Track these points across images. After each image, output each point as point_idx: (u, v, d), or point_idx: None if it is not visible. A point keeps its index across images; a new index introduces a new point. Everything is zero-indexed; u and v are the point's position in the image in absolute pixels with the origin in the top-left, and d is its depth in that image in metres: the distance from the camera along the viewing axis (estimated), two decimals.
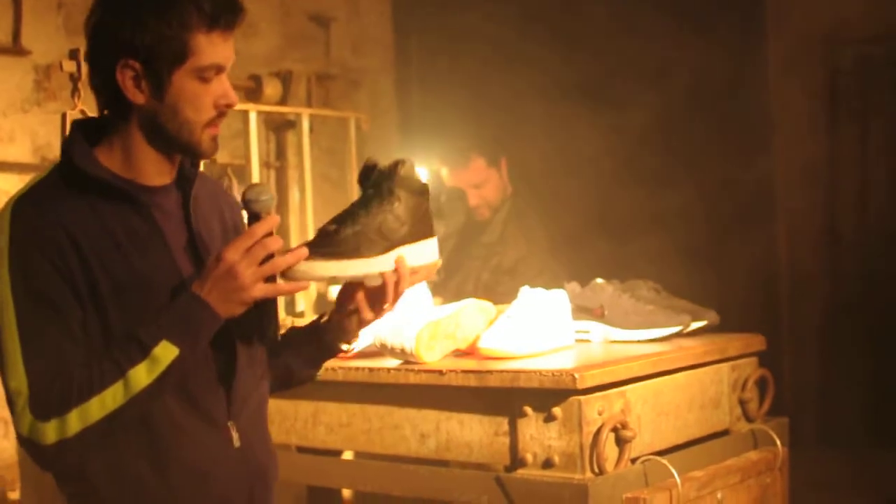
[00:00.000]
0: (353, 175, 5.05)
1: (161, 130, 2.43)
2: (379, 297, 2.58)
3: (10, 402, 2.30)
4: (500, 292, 3.92)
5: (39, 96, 4.95)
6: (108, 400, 2.28)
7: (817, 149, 5.45)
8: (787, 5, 5.47)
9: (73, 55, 4.11)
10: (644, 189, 5.35)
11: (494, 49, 5.78)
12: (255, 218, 2.42)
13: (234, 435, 2.54)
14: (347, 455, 3.78)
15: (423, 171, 5.14)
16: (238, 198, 4.41)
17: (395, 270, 2.54)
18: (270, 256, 2.36)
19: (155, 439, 2.41)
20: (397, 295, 2.58)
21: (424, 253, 2.60)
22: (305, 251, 2.45)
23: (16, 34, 4.89)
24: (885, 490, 4.71)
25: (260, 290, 2.35)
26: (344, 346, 2.75)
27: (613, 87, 5.51)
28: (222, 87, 2.45)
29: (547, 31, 5.63)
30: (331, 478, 3.72)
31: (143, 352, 2.29)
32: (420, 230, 2.60)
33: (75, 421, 2.27)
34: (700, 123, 5.47)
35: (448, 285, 4.78)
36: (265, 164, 4.99)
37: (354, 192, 5.04)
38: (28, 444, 2.30)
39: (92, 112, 3.85)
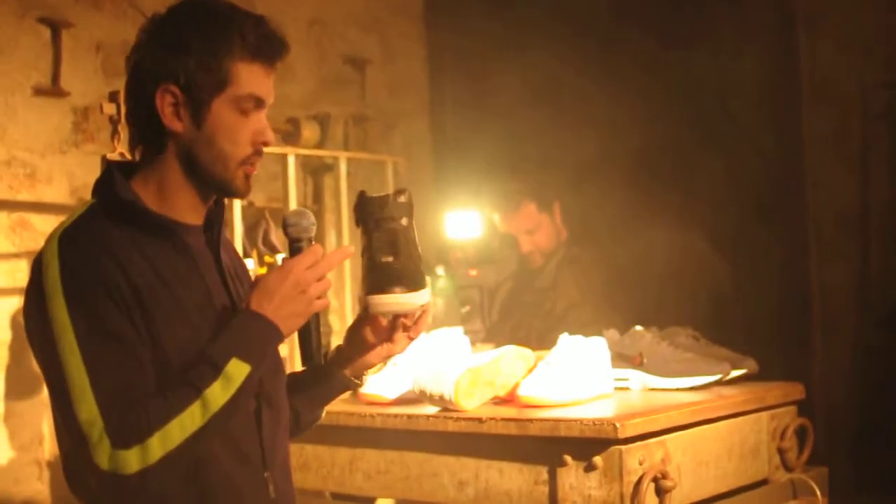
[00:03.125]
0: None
1: (196, 162, 2.44)
2: (407, 328, 2.67)
3: (83, 436, 2.22)
4: (552, 339, 3.90)
5: (77, 138, 4.97)
6: (188, 422, 2.25)
7: (850, 194, 5.42)
8: (818, 48, 5.45)
9: (112, 98, 4.12)
10: (670, 234, 5.34)
11: (530, 92, 5.78)
12: (293, 241, 2.51)
13: (271, 486, 2.54)
14: (382, 502, 3.76)
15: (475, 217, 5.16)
16: (274, 240, 4.46)
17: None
18: None
19: (205, 488, 2.39)
20: (420, 328, 2.70)
21: None
22: (352, 249, 2.58)
23: (55, 76, 4.92)
24: None
25: (319, 304, 2.44)
26: (360, 381, 2.78)
27: (648, 129, 5.50)
28: (261, 123, 2.48)
29: (583, 74, 5.63)
30: None
31: (215, 371, 2.29)
32: None
33: (157, 446, 2.22)
34: (730, 170, 5.45)
35: (502, 330, 4.76)
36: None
37: None
38: (109, 478, 2.22)
39: (131, 155, 3.88)
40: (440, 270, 4.96)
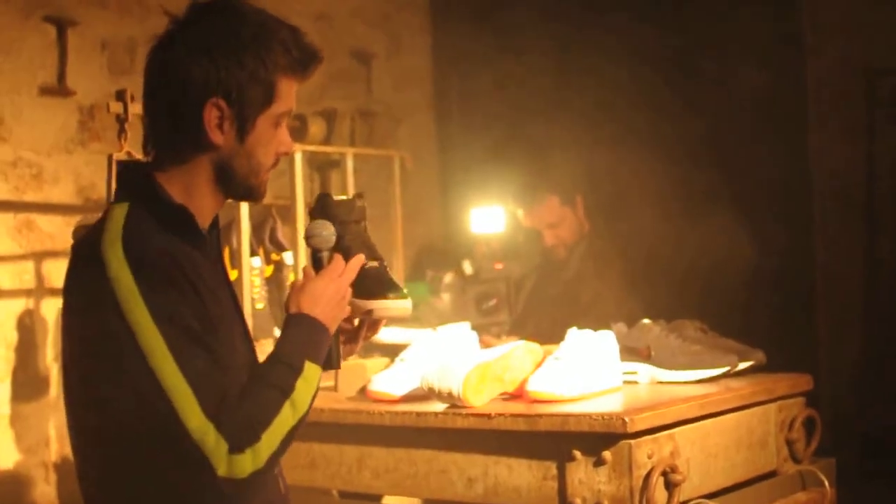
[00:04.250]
0: (397, 214, 5.05)
1: (231, 173, 2.45)
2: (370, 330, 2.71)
3: (194, 443, 2.20)
4: None
5: (83, 136, 4.96)
6: (284, 423, 2.29)
7: (856, 184, 5.42)
8: (825, 37, 5.45)
9: (119, 96, 4.11)
10: (675, 229, 5.35)
11: (536, 86, 5.78)
12: (314, 252, 2.56)
13: (280, 482, 2.57)
14: (389, 500, 3.76)
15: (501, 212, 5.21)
16: (281, 238, 4.46)
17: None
18: None
19: None
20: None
21: None
22: (363, 257, 2.58)
23: (60, 75, 4.91)
24: None
25: (348, 310, 2.53)
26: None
27: (655, 121, 5.49)
28: (285, 134, 2.50)
29: (591, 67, 5.63)
30: None
31: (294, 373, 2.34)
32: None
33: (266, 448, 2.25)
34: (736, 155, 5.45)
35: (527, 324, 4.78)
36: (309, 204, 4.98)
37: (396, 231, 5.03)
38: (226, 484, 2.21)
39: (138, 153, 3.87)
40: (467, 265, 5.01)
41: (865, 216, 5.39)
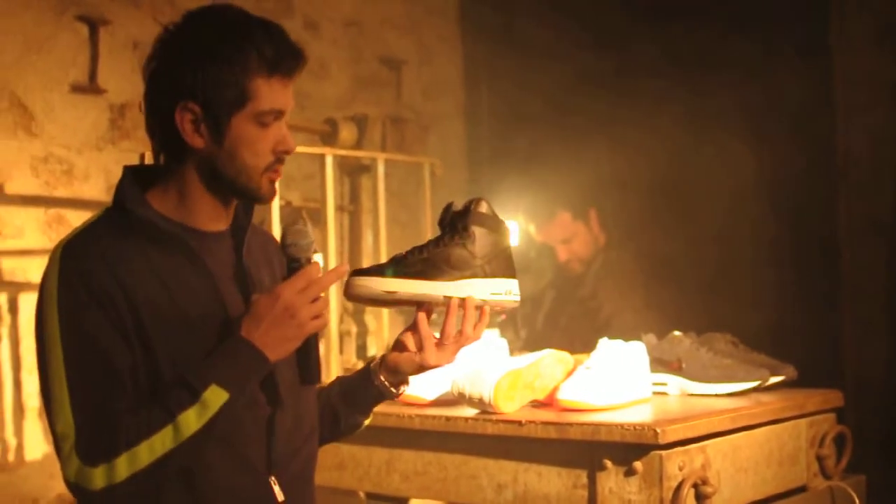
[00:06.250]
0: (426, 219, 5.03)
1: (219, 175, 2.43)
2: (444, 336, 2.62)
3: (57, 447, 2.29)
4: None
5: (114, 135, 4.98)
6: (157, 445, 2.26)
7: (883, 203, 5.40)
8: (853, 56, 5.43)
9: None
10: (700, 245, 5.34)
11: (565, 95, 5.77)
12: (292, 261, 2.45)
13: (276, 489, 2.51)
14: (416, 503, 3.75)
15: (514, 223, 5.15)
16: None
17: (462, 300, 2.59)
18: None
19: (196, 489, 2.38)
20: (462, 333, 2.62)
21: (498, 289, 2.63)
22: (346, 268, 2.54)
23: (92, 73, 4.94)
24: None
25: (313, 326, 2.39)
26: (396, 390, 2.74)
27: (679, 134, 5.48)
28: (281, 132, 2.45)
29: (621, 77, 5.62)
30: None
31: (192, 396, 2.29)
32: (497, 268, 2.64)
33: (123, 466, 2.24)
34: (762, 172, 5.44)
35: (551, 341, 4.76)
36: (339, 208, 4.98)
37: (425, 236, 5.01)
38: (75, 489, 2.28)
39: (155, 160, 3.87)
40: None
41: (891, 233, 5.37)
